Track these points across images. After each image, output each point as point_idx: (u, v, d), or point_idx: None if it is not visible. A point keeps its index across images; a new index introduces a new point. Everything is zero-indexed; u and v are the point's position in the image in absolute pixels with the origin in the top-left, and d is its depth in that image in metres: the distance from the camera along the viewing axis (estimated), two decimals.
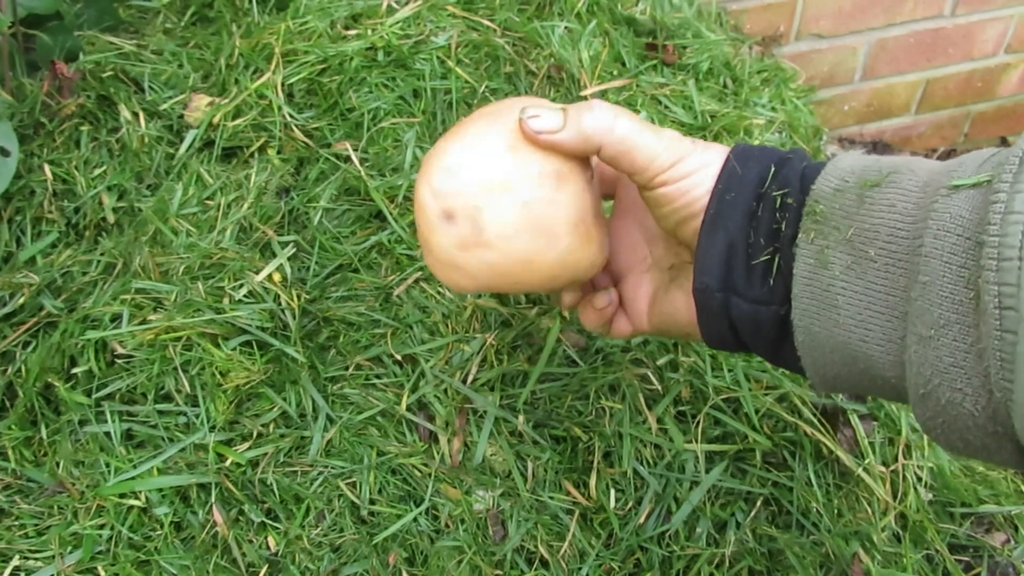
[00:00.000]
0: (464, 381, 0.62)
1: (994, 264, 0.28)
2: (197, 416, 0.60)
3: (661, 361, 0.63)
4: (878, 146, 1.42)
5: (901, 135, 1.54)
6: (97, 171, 0.75)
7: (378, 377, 0.63)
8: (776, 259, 0.38)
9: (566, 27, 0.87)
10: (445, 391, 0.62)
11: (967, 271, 0.30)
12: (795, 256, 0.37)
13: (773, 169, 0.39)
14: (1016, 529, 0.65)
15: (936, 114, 1.53)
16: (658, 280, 0.47)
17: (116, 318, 0.63)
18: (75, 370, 0.62)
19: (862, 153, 0.40)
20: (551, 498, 0.59)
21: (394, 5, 0.86)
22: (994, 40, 1.43)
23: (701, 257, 0.39)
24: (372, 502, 0.59)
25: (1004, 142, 1.61)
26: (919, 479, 0.64)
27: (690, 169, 0.40)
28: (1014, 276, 0.28)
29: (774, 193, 0.38)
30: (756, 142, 0.80)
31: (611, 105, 0.40)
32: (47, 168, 0.74)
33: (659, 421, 0.61)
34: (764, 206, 0.38)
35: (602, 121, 0.39)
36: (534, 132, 0.40)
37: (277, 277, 0.65)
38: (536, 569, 0.57)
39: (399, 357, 0.63)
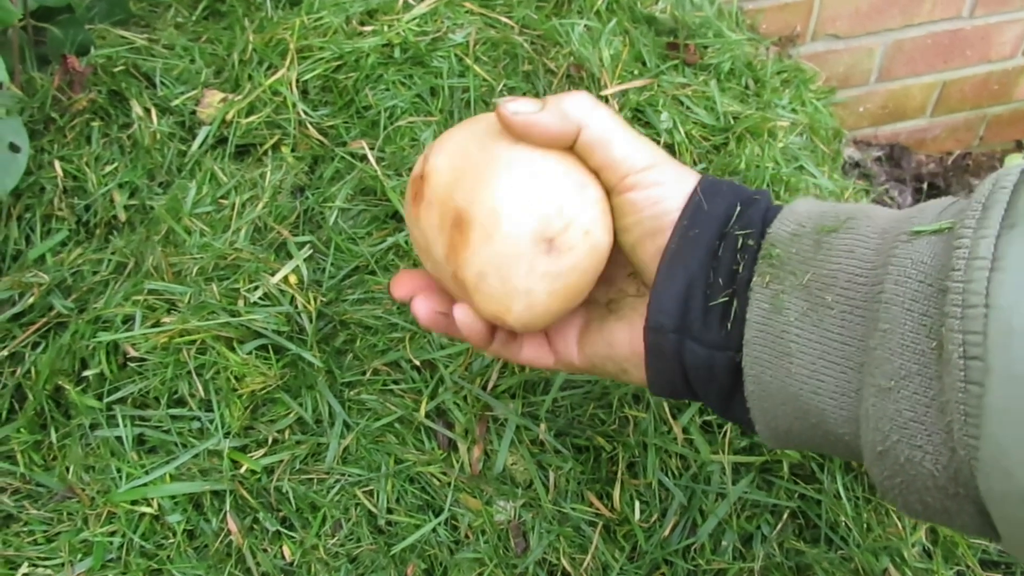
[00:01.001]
0: (484, 388, 0.61)
1: (958, 311, 0.27)
2: (211, 421, 0.58)
3: None
4: (894, 149, 1.40)
5: (916, 137, 1.52)
6: (108, 168, 0.73)
7: (396, 383, 0.62)
8: (734, 302, 0.36)
9: (585, 25, 0.86)
10: (464, 398, 0.61)
11: (929, 319, 0.28)
12: (749, 300, 0.35)
13: (739, 208, 0.37)
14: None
15: (951, 117, 1.52)
16: (591, 312, 0.43)
17: (128, 319, 0.61)
18: (86, 372, 0.60)
19: (816, 199, 0.38)
20: (573, 509, 0.57)
21: (411, 1, 0.84)
22: (1012, 42, 1.41)
23: (658, 294, 0.37)
24: (390, 511, 0.58)
25: (1019, 146, 1.59)
26: None
27: (662, 179, 0.38)
28: (980, 324, 0.26)
29: (736, 232, 0.37)
30: (780, 145, 0.79)
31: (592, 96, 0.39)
32: (57, 164, 0.73)
33: (684, 431, 0.59)
34: (726, 245, 0.37)
35: (583, 104, 0.38)
36: (511, 113, 0.37)
37: (293, 279, 0.64)
38: None
39: (417, 362, 0.62)
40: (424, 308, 0.42)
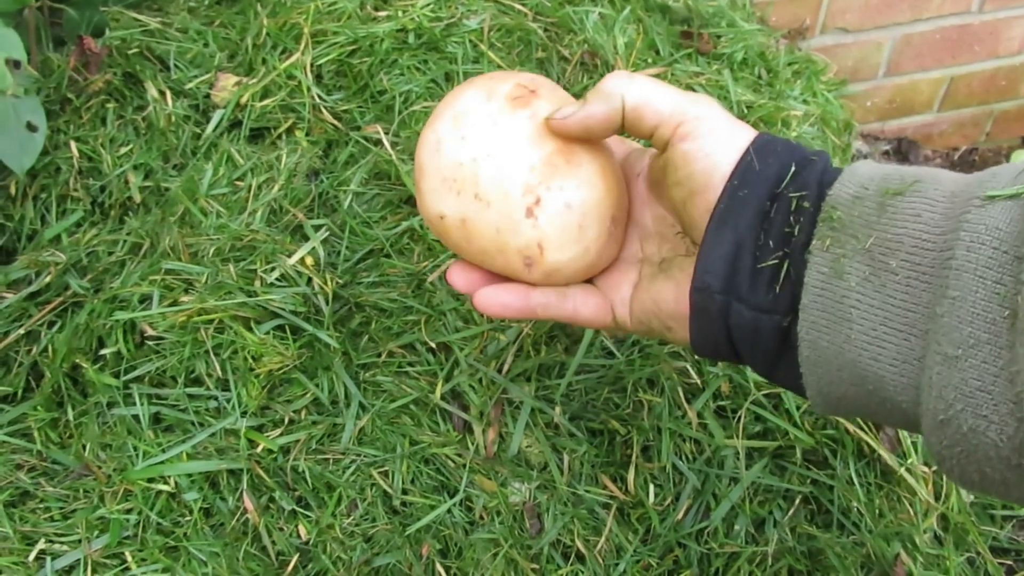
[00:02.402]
0: (499, 371, 0.61)
1: None
2: (228, 401, 0.59)
3: None
4: (901, 143, 1.40)
5: (923, 132, 1.53)
6: (123, 149, 0.74)
7: (411, 365, 0.62)
8: (785, 265, 0.35)
9: (599, 12, 0.86)
10: (480, 380, 0.61)
11: (1003, 287, 0.28)
12: (807, 264, 0.34)
13: (793, 169, 0.37)
14: None
15: (959, 112, 1.52)
16: (646, 271, 0.44)
17: (145, 299, 0.62)
18: (103, 351, 0.61)
19: (878, 162, 0.37)
20: (588, 492, 0.58)
21: None
22: (1020, 38, 1.41)
23: (705, 254, 0.37)
24: (405, 492, 0.58)
25: None
26: None
27: (715, 131, 0.38)
28: None
29: (791, 194, 0.36)
30: (794, 134, 0.79)
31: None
32: (73, 145, 0.73)
33: (699, 416, 0.60)
34: (778, 207, 0.36)
35: (618, 79, 0.39)
36: (562, 119, 0.39)
37: (310, 260, 0.64)
38: (572, 564, 0.56)
39: (433, 345, 0.62)
40: (490, 299, 0.43)
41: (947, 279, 0.30)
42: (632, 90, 0.39)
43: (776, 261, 0.36)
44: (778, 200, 0.36)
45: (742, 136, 0.38)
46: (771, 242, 0.36)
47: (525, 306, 0.43)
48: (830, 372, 0.34)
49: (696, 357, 0.62)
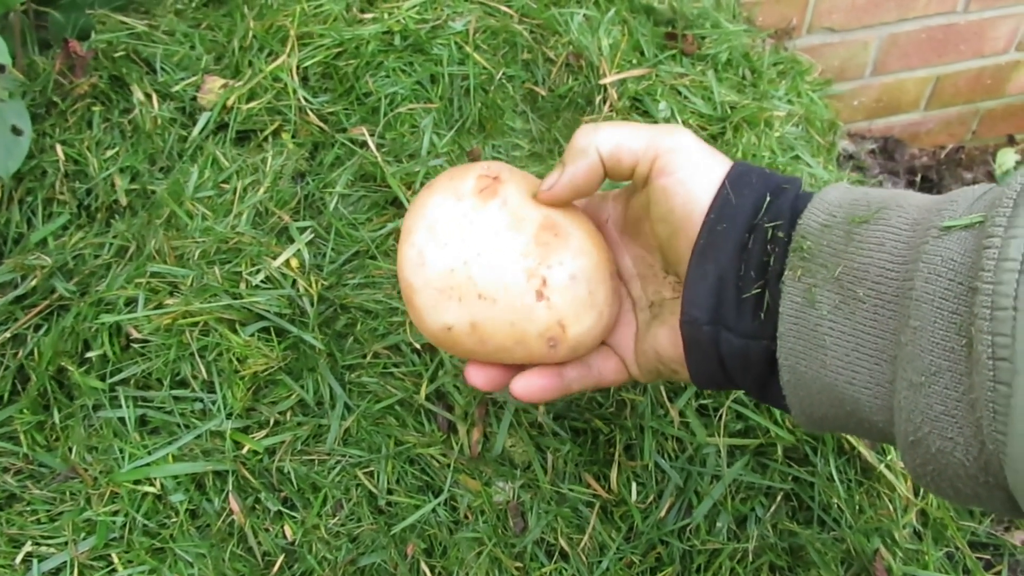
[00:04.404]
0: None
1: (988, 313, 0.27)
2: (214, 403, 0.59)
3: None
4: (887, 142, 1.41)
5: (910, 131, 1.54)
6: (109, 152, 0.74)
7: (396, 366, 0.62)
8: (766, 294, 0.37)
9: (584, 14, 0.86)
10: (464, 381, 0.61)
11: (959, 317, 0.29)
12: (781, 293, 0.35)
13: (768, 199, 0.38)
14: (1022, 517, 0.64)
15: (945, 111, 1.53)
16: (641, 320, 0.45)
17: (131, 302, 0.62)
18: (89, 354, 0.61)
19: (848, 185, 0.38)
20: (571, 490, 0.58)
21: None
22: (1005, 37, 1.42)
23: (690, 288, 0.38)
24: (390, 492, 0.58)
25: (1012, 140, 1.61)
26: None
27: (691, 164, 0.39)
28: (1008, 327, 0.27)
29: (766, 224, 0.37)
30: (776, 135, 0.80)
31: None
32: (59, 148, 0.73)
33: (681, 414, 0.60)
34: (756, 238, 0.37)
35: (585, 133, 0.40)
36: (549, 189, 0.41)
37: (295, 262, 0.64)
38: (556, 562, 0.57)
39: (418, 346, 0.63)
40: (530, 387, 0.43)
41: (909, 308, 0.31)
42: (602, 138, 0.40)
43: (758, 290, 0.37)
44: (755, 231, 0.37)
45: (717, 168, 0.39)
46: (752, 272, 0.37)
47: (561, 385, 0.43)
48: (811, 395, 0.35)
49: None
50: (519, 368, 0.44)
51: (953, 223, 0.30)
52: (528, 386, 0.43)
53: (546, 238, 0.40)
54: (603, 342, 0.45)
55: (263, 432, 0.59)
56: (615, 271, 0.44)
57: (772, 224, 0.37)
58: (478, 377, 0.43)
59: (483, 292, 0.39)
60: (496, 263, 0.40)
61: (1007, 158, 1.43)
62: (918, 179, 1.40)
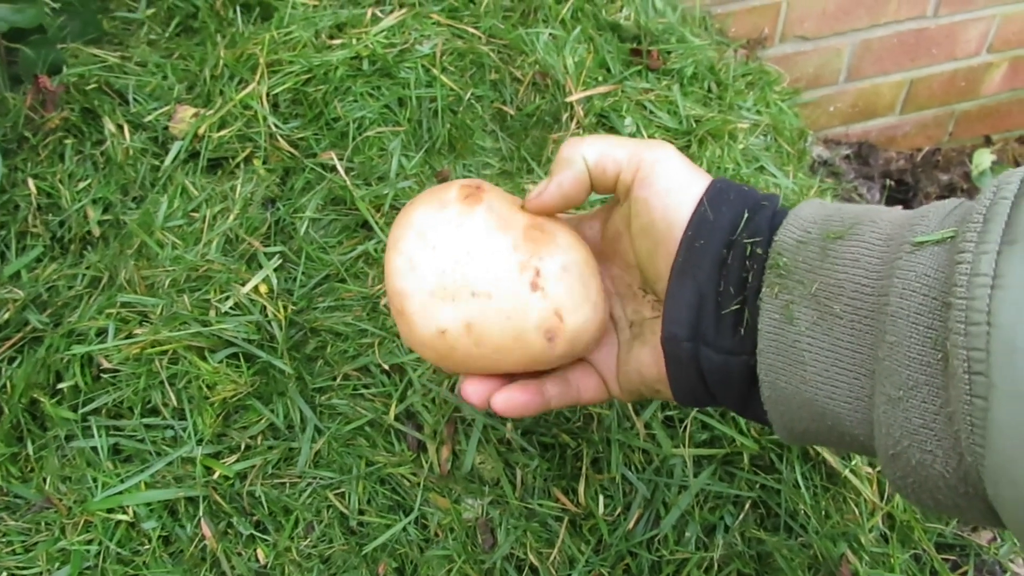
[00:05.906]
0: (452, 390, 0.62)
1: (962, 328, 0.28)
2: (184, 429, 0.60)
3: None
4: (861, 147, 1.42)
5: (886, 135, 1.55)
6: (82, 184, 0.75)
7: (366, 387, 0.63)
8: (745, 310, 0.37)
9: (551, 34, 0.88)
10: (433, 400, 0.62)
11: (934, 332, 0.29)
12: (760, 310, 0.36)
13: (747, 215, 0.38)
14: (1002, 527, 0.65)
15: (921, 114, 1.54)
16: (623, 340, 0.45)
17: (102, 332, 0.63)
18: (61, 385, 0.62)
19: (821, 201, 0.39)
20: (540, 505, 0.59)
21: (379, 14, 0.86)
22: (976, 40, 1.44)
23: (670, 305, 0.38)
24: (361, 512, 0.59)
25: (988, 141, 1.62)
26: None
27: (672, 176, 0.39)
28: (983, 341, 0.27)
29: (745, 241, 0.37)
30: (740, 146, 0.81)
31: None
32: (31, 182, 0.74)
33: (647, 426, 0.61)
34: (734, 254, 0.37)
35: (572, 145, 0.41)
36: (537, 196, 0.42)
37: (263, 288, 0.65)
38: None
39: (387, 367, 0.63)
40: (510, 402, 0.43)
41: (885, 324, 0.31)
42: (589, 148, 0.41)
43: (737, 306, 0.37)
44: (734, 247, 0.38)
45: (697, 184, 0.39)
46: (731, 288, 0.37)
47: (542, 401, 0.43)
48: (791, 409, 0.36)
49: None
50: (513, 380, 0.44)
51: (925, 238, 0.31)
52: (509, 400, 0.42)
53: (534, 235, 0.41)
54: (583, 359, 0.45)
55: (234, 457, 0.60)
56: (599, 275, 0.44)
57: (750, 240, 0.37)
58: (474, 392, 0.43)
59: (476, 289, 0.39)
60: (488, 259, 0.39)
61: (983, 158, 1.45)
62: (894, 183, 1.41)
